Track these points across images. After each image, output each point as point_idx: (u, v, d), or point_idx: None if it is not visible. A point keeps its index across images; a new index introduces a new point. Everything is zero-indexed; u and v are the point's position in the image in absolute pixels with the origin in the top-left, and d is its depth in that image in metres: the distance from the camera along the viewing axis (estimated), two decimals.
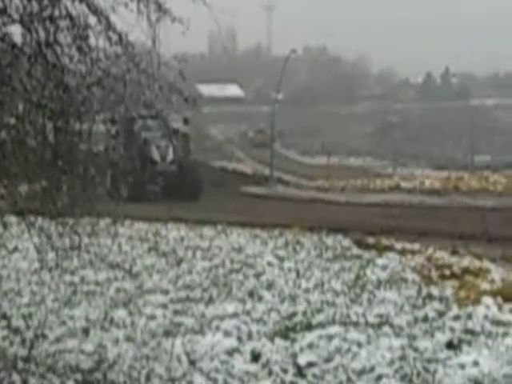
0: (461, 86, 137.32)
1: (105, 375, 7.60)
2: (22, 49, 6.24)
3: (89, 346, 8.57)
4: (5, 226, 7.77)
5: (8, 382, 6.91)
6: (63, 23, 6.35)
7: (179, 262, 14.63)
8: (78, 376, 7.48)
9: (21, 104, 6.21)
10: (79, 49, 6.46)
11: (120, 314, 10.11)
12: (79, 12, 6.48)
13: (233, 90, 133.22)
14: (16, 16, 6.32)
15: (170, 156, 32.08)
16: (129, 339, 8.94)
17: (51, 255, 7.63)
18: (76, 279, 12.10)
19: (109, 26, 6.53)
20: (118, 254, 14.69)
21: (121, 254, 14.77)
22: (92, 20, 6.50)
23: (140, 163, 30.32)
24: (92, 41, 6.50)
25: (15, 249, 13.41)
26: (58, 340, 8.81)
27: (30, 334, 8.69)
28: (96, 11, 6.50)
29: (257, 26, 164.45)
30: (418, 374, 7.59)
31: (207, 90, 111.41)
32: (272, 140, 64.58)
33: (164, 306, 10.65)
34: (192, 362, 8.07)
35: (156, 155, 31.18)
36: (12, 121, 6.34)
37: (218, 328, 9.39)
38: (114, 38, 6.54)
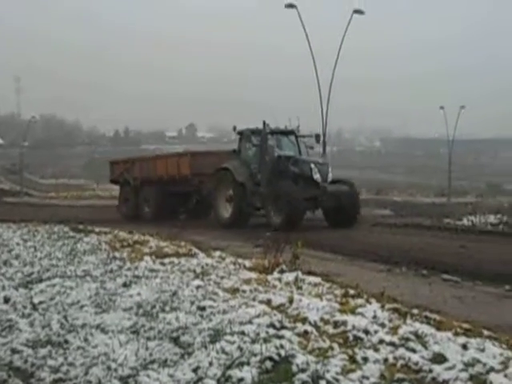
0: (135, 137, 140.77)
1: None
2: None
3: None
4: None
5: None
6: None
7: None
8: None
9: None
10: None
11: None
12: None
13: None
14: None
15: (331, 176, 19.06)
16: None
17: None
18: None
19: None
20: None
21: None
22: None
23: (302, 183, 18.52)
24: None
25: None
26: None
27: None
28: None
29: (11, 100, 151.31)
30: (105, 303, 7.41)
31: None
32: (21, 169, 66.65)
33: None
34: None
35: (317, 175, 18.53)
36: None
37: None
38: None
